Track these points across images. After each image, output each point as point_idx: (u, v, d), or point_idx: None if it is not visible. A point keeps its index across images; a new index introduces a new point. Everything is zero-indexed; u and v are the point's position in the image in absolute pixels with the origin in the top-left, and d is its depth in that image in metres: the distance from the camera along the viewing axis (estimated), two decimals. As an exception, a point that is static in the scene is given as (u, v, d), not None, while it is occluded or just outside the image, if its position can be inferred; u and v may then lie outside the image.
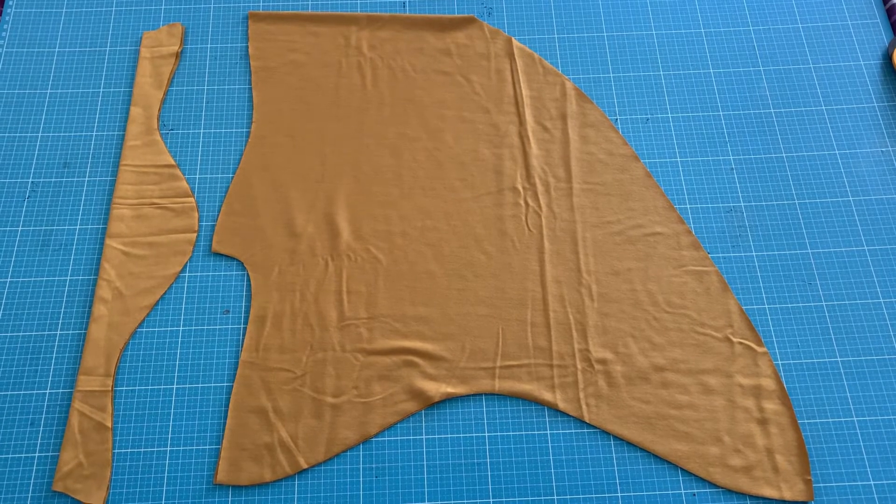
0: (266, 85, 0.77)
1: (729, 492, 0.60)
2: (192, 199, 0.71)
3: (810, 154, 0.74)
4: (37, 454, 0.61)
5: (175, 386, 0.63)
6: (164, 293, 0.67)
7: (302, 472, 0.60)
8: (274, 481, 0.60)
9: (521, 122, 0.74)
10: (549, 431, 0.62)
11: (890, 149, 0.74)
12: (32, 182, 0.71)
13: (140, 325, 0.65)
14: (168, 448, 0.61)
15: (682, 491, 0.60)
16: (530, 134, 0.74)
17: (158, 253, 0.68)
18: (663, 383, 0.63)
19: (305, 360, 0.64)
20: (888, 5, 0.81)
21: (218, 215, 0.70)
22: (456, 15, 0.80)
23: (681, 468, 0.60)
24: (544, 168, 0.72)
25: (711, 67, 0.78)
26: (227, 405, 0.62)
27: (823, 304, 0.67)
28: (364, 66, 0.78)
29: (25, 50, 0.78)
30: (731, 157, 0.73)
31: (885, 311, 0.66)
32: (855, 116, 0.75)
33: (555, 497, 0.59)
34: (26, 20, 0.80)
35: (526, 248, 0.69)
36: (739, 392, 0.63)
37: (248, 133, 0.74)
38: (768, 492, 0.59)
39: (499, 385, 0.63)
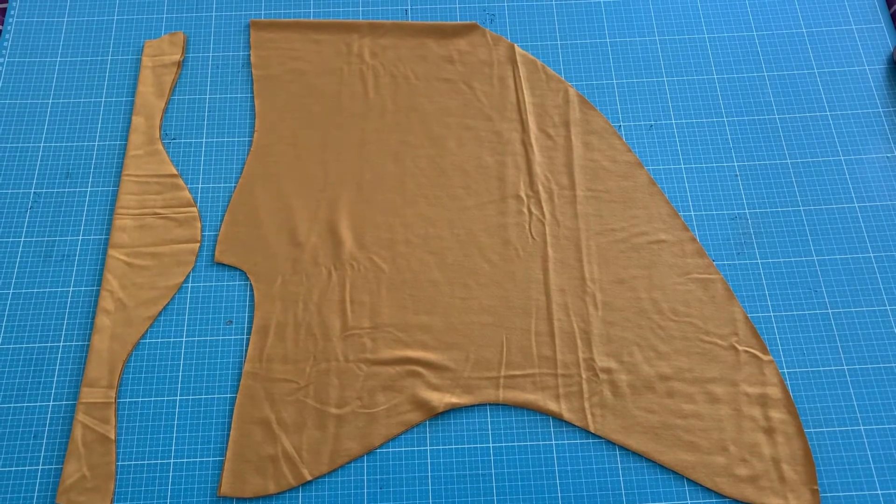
0: (268, 93, 0.77)
1: (735, 502, 0.59)
2: (194, 209, 0.70)
3: (815, 160, 0.73)
4: (40, 467, 0.60)
5: (178, 397, 0.63)
6: (167, 304, 0.66)
7: (306, 483, 0.60)
8: (278, 493, 0.59)
9: (524, 130, 0.74)
10: (553, 441, 0.61)
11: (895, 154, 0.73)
12: (35, 193, 0.71)
13: (143, 337, 0.65)
14: (172, 460, 0.61)
15: (689, 501, 0.59)
16: (533, 141, 0.73)
17: (161, 263, 0.68)
18: (668, 392, 0.63)
19: (309, 370, 0.64)
20: (893, 10, 0.81)
21: (221, 225, 0.70)
22: (458, 22, 0.80)
23: (687, 478, 0.60)
24: (547, 175, 0.72)
25: (715, 73, 0.78)
26: (230, 416, 0.62)
27: (829, 311, 0.66)
28: (366, 74, 0.77)
29: (27, 60, 0.78)
30: (736, 164, 0.73)
31: (891, 318, 0.66)
32: (860, 122, 0.75)
33: (560, 508, 0.59)
34: (28, 30, 0.80)
35: (529, 256, 0.68)
36: (745, 401, 0.62)
37: (251, 142, 0.74)
38: (775, 501, 0.59)
39: (503, 395, 0.63)
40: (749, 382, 0.63)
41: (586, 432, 0.62)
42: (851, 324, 0.66)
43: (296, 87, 0.77)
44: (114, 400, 0.62)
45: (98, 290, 0.67)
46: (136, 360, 0.64)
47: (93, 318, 0.66)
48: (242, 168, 0.73)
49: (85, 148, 0.74)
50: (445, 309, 0.66)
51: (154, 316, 0.66)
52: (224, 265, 0.68)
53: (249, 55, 0.79)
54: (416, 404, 0.62)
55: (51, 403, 0.63)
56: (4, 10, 0.81)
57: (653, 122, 0.75)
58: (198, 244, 0.69)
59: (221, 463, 0.61)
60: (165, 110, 0.76)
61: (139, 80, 0.77)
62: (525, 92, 0.76)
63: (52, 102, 0.76)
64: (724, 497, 0.59)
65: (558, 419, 0.62)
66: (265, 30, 0.80)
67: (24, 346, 0.65)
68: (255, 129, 0.75)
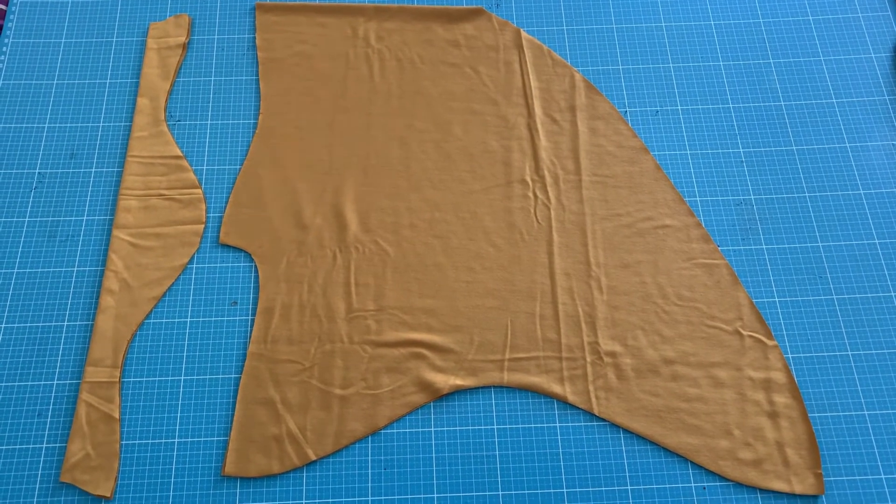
0: (273, 76, 0.76)
1: (739, 485, 0.59)
2: (199, 191, 0.70)
3: (820, 147, 0.73)
4: (44, 445, 0.60)
5: (183, 377, 0.63)
6: (172, 284, 0.66)
7: (310, 463, 0.60)
8: (282, 473, 0.59)
9: (530, 114, 0.74)
10: (558, 424, 0.62)
11: (901, 142, 0.73)
12: (39, 173, 0.71)
13: (147, 317, 0.65)
14: (176, 439, 0.61)
15: (692, 484, 0.59)
16: (539, 126, 0.73)
17: (166, 244, 0.68)
18: (673, 376, 0.63)
19: (313, 351, 0.63)
20: (899, -3, 0.81)
21: (225, 206, 0.70)
22: (464, 6, 0.80)
23: (691, 461, 0.60)
24: (553, 160, 0.72)
25: (721, 60, 0.78)
26: (235, 397, 0.62)
27: (834, 297, 0.66)
28: (372, 58, 0.77)
29: (32, 41, 0.78)
30: (742, 150, 0.73)
31: (895, 304, 0.66)
32: (865, 109, 0.75)
33: (564, 490, 0.59)
34: (33, 11, 0.80)
35: (535, 240, 0.68)
36: (749, 385, 0.62)
37: (256, 124, 0.74)
38: (778, 485, 0.59)
39: (508, 377, 0.63)
40: (753, 367, 0.63)
41: (590, 415, 0.62)
42: (856, 309, 0.66)
43: (301, 71, 0.77)
44: (118, 379, 0.62)
45: (102, 271, 0.67)
46: (141, 340, 0.64)
47: (97, 298, 0.65)
48: (247, 150, 0.73)
49: (90, 129, 0.73)
50: (450, 292, 0.66)
51: (158, 296, 0.66)
52: (229, 246, 0.68)
53: (255, 38, 0.79)
54: (420, 386, 0.62)
55: (55, 382, 0.62)
56: (9, -10, 0.81)
57: (659, 108, 0.75)
58: (202, 225, 0.69)
59: (226, 443, 0.61)
60: (170, 92, 0.75)
61: (144, 61, 0.76)
62: (531, 77, 0.76)
63: (57, 83, 0.76)
64: (728, 480, 0.59)
65: (562, 402, 0.62)
66: (271, 12, 0.80)
67: (29, 325, 0.65)
68: (261, 111, 0.74)
